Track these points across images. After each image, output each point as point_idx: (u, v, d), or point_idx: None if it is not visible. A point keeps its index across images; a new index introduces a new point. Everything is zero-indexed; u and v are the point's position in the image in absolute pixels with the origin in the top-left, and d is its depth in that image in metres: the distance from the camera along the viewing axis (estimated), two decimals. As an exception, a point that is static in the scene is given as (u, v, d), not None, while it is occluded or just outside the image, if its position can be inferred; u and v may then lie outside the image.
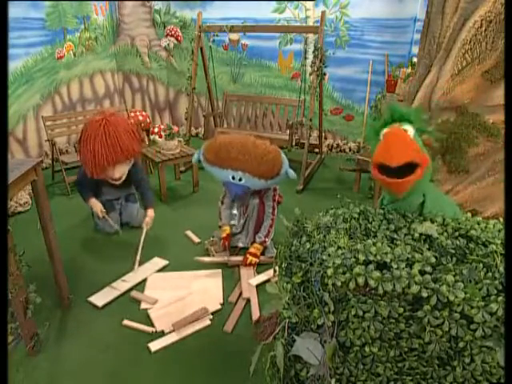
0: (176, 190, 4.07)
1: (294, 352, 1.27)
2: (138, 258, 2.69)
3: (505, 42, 1.93)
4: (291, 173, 2.65)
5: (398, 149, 1.30)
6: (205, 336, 2.13)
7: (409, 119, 1.43)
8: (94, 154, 2.65)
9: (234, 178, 2.60)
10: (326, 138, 5.31)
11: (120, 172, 2.85)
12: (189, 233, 3.16)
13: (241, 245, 2.92)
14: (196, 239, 3.07)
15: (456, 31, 2.15)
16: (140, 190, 3.12)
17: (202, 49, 4.55)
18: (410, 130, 1.40)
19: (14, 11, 3.87)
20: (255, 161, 2.52)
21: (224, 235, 2.82)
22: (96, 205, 2.98)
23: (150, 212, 2.95)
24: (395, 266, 1.11)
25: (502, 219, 1.31)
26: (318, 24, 4.02)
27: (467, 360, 1.11)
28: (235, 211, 2.89)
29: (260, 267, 2.72)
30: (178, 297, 2.42)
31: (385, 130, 1.42)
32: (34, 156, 4.35)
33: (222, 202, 2.94)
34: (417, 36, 4.28)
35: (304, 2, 4.83)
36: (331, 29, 4.82)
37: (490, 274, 1.11)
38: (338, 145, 5.32)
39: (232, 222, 2.89)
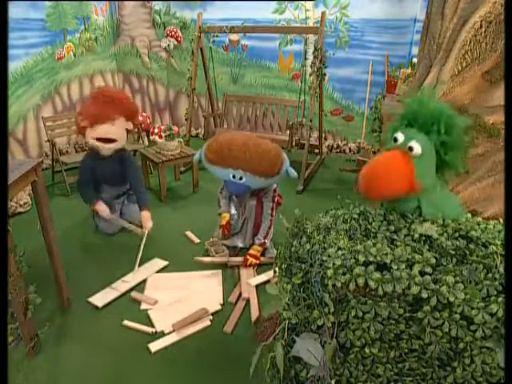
0: (176, 190, 4.07)
1: (293, 353, 1.27)
2: (138, 259, 2.69)
3: (505, 43, 1.93)
4: (292, 172, 2.65)
5: (378, 185, 1.29)
6: (205, 336, 2.13)
7: (428, 130, 1.32)
8: (92, 103, 2.82)
9: (234, 176, 2.60)
10: (325, 139, 5.31)
11: (112, 131, 2.87)
12: (189, 233, 3.16)
13: (240, 245, 2.92)
14: (196, 239, 3.07)
15: (456, 32, 2.16)
16: (133, 187, 3.12)
17: (202, 49, 4.55)
18: (416, 148, 1.28)
19: (14, 11, 3.87)
20: (256, 159, 2.52)
21: (223, 222, 2.83)
22: (103, 208, 2.98)
23: (145, 214, 2.92)
24: (395, 266, 1.12)
25: (502, 220, 1.31)
26: (318, 25, 4.02)
27: (467, 361, 1.10)
28: (234, 211, 2.90)
29: (260, 268, 2.71)
30: (177, 297, 2.42)
31: (384, 151, 1.35)
32: (34, 156, 4.35)
33: (221, 192, 2.94)
34: (417, 37, 4.28)
35: (304, 3, 4.83)
36: (331, 29, 4.82)
37: (490, 274, 1.11)
38: (337, 145, 5.32)
39: (232, 211, 2.89)
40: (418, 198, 1.36)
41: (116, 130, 2.89)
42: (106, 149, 2.94)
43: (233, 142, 2.58)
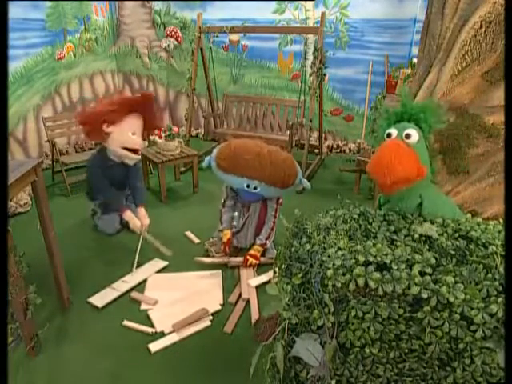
0: (176, 190, 4.07)
1: (293, 353, 1.27)
2: (136, 259, 2.69)
3: (505, 43, 1.93)
4: (306, 183, 2.65)
5: (387, 168, 1.34)
6: (205, 337, 2.13)
7: (417, 119, 1.42)
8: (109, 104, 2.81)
9: (248, 186, 2.57)
10: (325, 139, 5.31)
11: (140, 141, 2.90)
12: (188, 233, 3.16)
13: (240, 245, 2.91)
14: (196, 240, 3.07)
15: (456, 32, 2.16)
16: (133, 184, 3.09)
17: (202, 50, 4.55)
18: (413, 134, 1.38)
19: (14, 11, 3.87)
20: (272, 170, 2.49)
21: (225, 240, 2.76)
22: (132, 218, 2.84)
23: (142, 211, 2.90)
24: (395, 267, 1.11)
25: (502, 220, 1.31)
26: (318, 25, 4.02)
27: (467, 361, 1.10)
28: (235, 212, 2.88)
29: (260, 268, 2.71)
30: (177, 297, 2.42)
31: (385, 140, 1.43)
32: (34, 157, 4.35)
33: (224, 205, 2.88)
34: (417, 37, 4.28)
35: (304, 3, 4.84)
36: (331, 30, 4.82)
37: (490, 275, 1.11)
38: (337, 145, 5.32)
39: (234, 223, 2.86)
40: (420, 193, 1.41)
41: (141, 140, 2.92)
42: (131, 158, 2.90)
43: (247, 151, 2.52)
